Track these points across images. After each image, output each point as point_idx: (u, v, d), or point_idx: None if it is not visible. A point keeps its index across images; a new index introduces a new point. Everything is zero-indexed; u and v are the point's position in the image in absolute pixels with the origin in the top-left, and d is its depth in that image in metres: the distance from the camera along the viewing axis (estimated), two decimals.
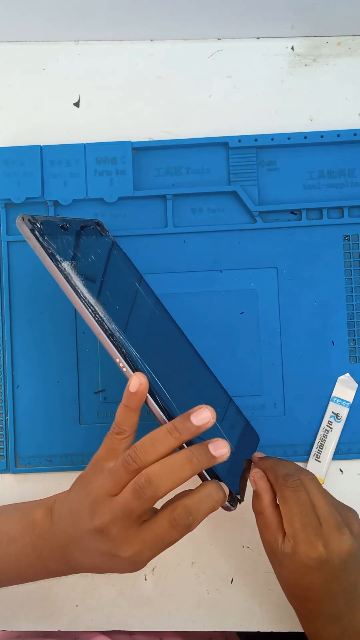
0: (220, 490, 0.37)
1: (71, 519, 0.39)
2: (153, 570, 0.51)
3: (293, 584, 0.41)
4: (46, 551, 0.40)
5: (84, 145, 0.52)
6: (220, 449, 0.36)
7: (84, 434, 0.51)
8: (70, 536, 0.38)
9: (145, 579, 0.51)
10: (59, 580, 0.51)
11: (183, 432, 0.36)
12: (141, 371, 0.39)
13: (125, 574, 0.50)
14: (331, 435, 0.50)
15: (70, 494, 0.40)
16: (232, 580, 0.51)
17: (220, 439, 0.37)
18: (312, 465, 0.50)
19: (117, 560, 0.37)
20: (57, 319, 0.52)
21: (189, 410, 0.37)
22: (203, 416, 0.36)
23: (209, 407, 0.36)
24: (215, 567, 0.51)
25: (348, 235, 0.52)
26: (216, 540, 0.51)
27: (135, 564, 0.38)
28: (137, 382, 0.37)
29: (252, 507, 0.43)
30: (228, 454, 0.36)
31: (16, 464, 0.51)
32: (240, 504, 0.39)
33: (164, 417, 0.38)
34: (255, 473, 0.43)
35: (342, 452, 0.51)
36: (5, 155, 0.52)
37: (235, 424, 0.46)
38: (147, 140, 0.53)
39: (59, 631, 0.52)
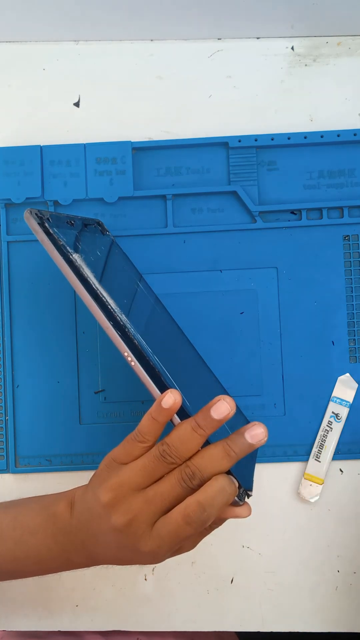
0: (232, 483, 0.37)
1: (90, 515, 0.39)
2: (153, 570, 0.51)
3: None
4: (68, 544, 0.40)
5: (84, 145, 0.52)
6: (258, 437, 0.37)
7: (84, 434, 0.51)
8: (91, 532, 0.39)
9: (145, 579, 0.51)
10: (59, 580, 0.51)
11: (206, 427, 0.37)
12: (155, 367, 0.38)
13: (126, 573, 0.51)
14: (331, 435, 0.50)
15: (88, 490, 0.40)
16: (232, 580, 0.51)
17: (256, 423, 0.37)
18: (312, 465, 0.50)
19: (139, 554, 0.38)
20: (57, 319, 0.52)
21: (203, 405, 0.37)
22: (222, 409, 0.36)
23: (227, 398, 0.37)
24: (215, 567, 0.51)
25: (348, 235, 0.52)
26: (216, 540, 0.51)
27: (155, 557, 0.38)
28: (171, 399, 0.37)
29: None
30: (266, 438, 0.37)
31: (16, 464, 0.51)
32: (248, 498, 0.39)
33: (176, 416, 0.38)
34: None
35: (342, 452, 0.51)
36: (5, 155, 0.52)
37: (236, 424, 0.46)
38: (147, 140, 0.53)
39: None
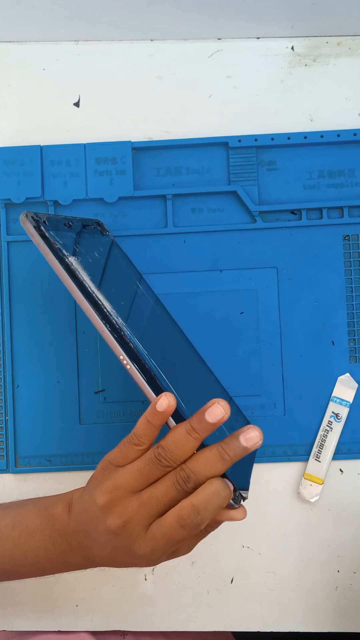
0: (226, 487, 0.37)
1: (87, 517, 0.39)
2: (153, 570, 0.51)
3: None
4: (66, 547, 0.41)
5: (84, 145, 0.52)
6: (253, 440, 0.37)
7: (84, 434, 0.51)
8: (88, 533, 0.39)
9: (145, 579, 0.51)
10: (59, 580, 0.51)
11: (201, 431, 0.37)
12: (151, 370, 0.38)
13: (126, 573, 0.51)
14: (331, 435, 0.50)
15: (85, 492, 0.40)
16: (232, 580, 0.51)
17: (251, 427, 0.37)
18: (312, 465, 0.50)
19: (134, 556, 0.38)
20: (57, 319, 0.52)
21: (201, 407, 0.37)
22: (216, 413, 0.36)
23: (221, 401, 0.37)
24: (215, 567, 0.51)
25: (348, 235, 0.52)
26: (216, 540, 0.51)
27: (150, 560, 0.38)
28: (165, 402, 0.37)
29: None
30: (261, 442, 0.37)
31: (16, 464, 0.51)
32: (243, 501, 0.39)
33: (171, 419, 0.38)
34: None
35: (342, 452, 0.51)
36: (5, 155, 0.52)
37: (235, 424, 0.46)
38: (147, 140, 0.53)
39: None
